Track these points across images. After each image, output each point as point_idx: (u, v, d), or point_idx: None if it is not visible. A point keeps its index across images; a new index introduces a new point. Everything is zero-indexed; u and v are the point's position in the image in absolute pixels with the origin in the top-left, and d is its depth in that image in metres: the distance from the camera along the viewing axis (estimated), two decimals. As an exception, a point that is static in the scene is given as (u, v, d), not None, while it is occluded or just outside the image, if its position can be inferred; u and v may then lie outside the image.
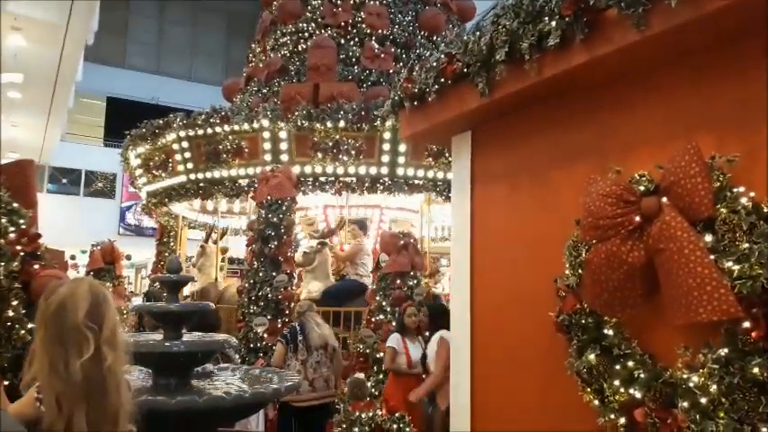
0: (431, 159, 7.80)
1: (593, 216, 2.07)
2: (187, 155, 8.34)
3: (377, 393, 5.36)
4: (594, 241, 2.09)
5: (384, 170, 7.77)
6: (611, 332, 2.12)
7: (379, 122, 7.40)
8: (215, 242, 9.51)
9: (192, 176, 8.40)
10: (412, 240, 6.70)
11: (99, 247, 8.18)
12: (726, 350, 1.72)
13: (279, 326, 6.41)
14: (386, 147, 7.67)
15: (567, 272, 2.26)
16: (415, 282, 6.41)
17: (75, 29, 11.02)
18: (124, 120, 10.10)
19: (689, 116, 2.08)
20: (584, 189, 2.15)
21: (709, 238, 1.80)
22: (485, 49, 2.51)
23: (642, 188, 1.98)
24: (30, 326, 2.86)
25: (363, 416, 3.51)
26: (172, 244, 10.64)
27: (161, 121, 8.57)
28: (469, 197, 3.12)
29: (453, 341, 3.17)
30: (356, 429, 3.42)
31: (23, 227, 3.13)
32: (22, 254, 3.02)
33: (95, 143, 24.84)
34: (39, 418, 1.55)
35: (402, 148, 7.63)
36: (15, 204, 3.16)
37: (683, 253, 1.79)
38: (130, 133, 9.23)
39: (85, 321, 1.56)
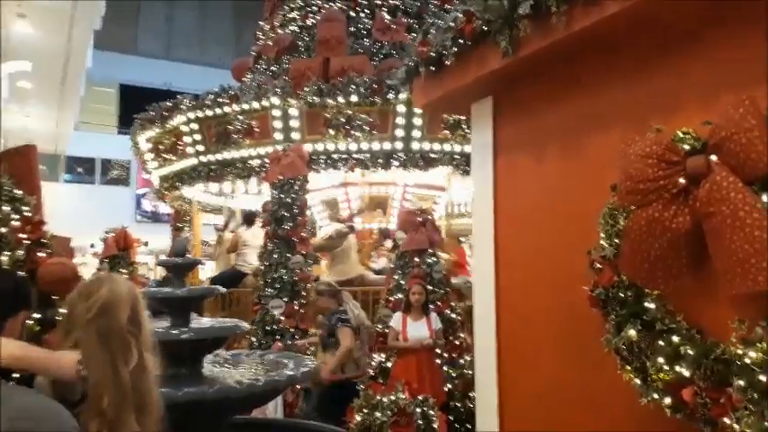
0: (447, 132, 7.58)
1: (631, 180, 1.88)
2: (197, 137, 8.23)
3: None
4: (634, 207, 1.91)
5: (399, 145, 7.59)
6: (652, 305, 1.94)
7: (392, 95, 7.19)
8: (232, 231, 9.66)
9: (203, 158, 8.30)
10: (429, 217, 6.52)
11: (112, 235, 8.14)
12: (789, 323, 1.55)
13: (296, 308, 6.29)
14: (400, 121, 7.48)
15: (602, 242, 2.08)
16: (434, 259, 6.24)
17: (82, 13, 10.88)
18: (137, 107, 10.01)
19: (740, 68, 1.87)
20: (620, 151, 1.96)
21: (767, 198, 1.61)
22: (507, 3, 2.31)
23: (687, 147, 1.79)
24: (36, 316, 2.75)
25: (385, 399, 3.37)
26: (186, 229, 10.58)
27: (169, 104, 8.45)
28: (492, 167, 2.94)
29: (477, 320, 3.02)
30: (378, 414, 3.29)
31: (27, 214, 3.01)
32: (26, 242, 2.92)
33: (109, 131, 24.86)
34: (69, 383, 1.54)
35: (417, 121, 7.42)
36: (18, 192, 3.05)
37: (737, 216, 1.61)
38: (139, 117, 9.13)
39: (128, 327, 1.57)
